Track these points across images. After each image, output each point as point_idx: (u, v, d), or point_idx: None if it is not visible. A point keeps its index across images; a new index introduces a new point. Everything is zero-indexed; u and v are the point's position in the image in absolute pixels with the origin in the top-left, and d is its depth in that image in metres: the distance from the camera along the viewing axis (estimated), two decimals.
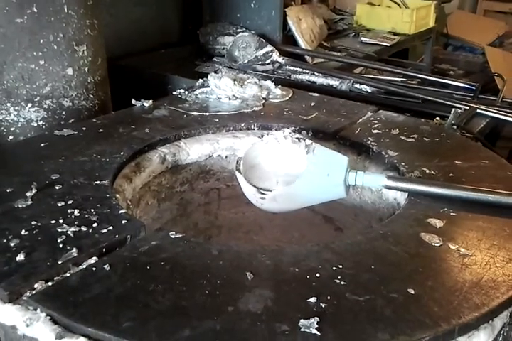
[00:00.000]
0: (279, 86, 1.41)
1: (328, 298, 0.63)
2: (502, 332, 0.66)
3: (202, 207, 1.22)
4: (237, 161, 0.93)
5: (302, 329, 0.58)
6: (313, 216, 1.23)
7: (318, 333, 0.58)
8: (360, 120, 1.22)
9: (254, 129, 1.19)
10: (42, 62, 1.18)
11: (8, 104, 1.19)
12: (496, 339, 0.65)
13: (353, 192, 1.12)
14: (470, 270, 0.70)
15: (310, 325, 0.58)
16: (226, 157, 1.17)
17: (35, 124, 1.22)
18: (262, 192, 0.90)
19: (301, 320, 0.59)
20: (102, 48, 1.34)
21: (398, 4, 2.61)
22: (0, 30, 1.13)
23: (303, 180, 0.87)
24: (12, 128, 1.21)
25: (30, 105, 1.20)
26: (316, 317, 0.59)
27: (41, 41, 1.17)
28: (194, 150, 1.13)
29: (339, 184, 0.87)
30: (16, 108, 1.20)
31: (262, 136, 0.96)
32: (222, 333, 0.57)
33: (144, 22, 2.02)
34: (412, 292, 0.65)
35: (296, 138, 0.92)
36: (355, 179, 0.88)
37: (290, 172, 0.94)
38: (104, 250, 0.71)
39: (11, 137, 1.22)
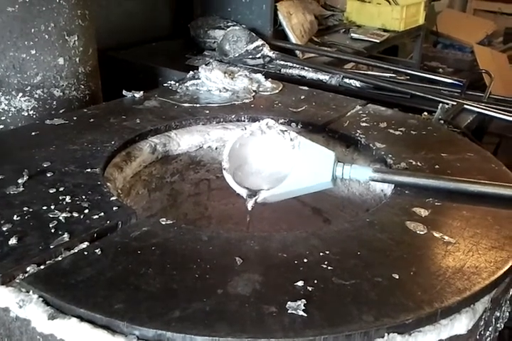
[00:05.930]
0: (269, 79, 1.42)
1: (315, 281, 0.65)
2: (483, 317, 0.68)
3: (192, 198, 1.23)
4: (223, 160, 0.92)
5: (289, 311, 0.60)
6: (302, 208, 1.25)
7: (305, 314, 0.59)
8: (348, 113, 1.23)
9: (244, 121, 1.20)
10: (33, 52, 1.19)
11: None
12: (477, 323, 0.67)
13: (341, 184, 1.14)
14: (453, 256, 0.71)
15: (297, 307, 0.60)
16: (216, 148, 1.18)
17: (26, 114, 1.22)
18: (252, 193, 0.91)
19: (289, 303, 0.61)
20: (93, 39, 1.35)
21: (388, 1, 2.63)
22: None
23: (291, 179, 0.88)
24: (3, 118, 1.21)
25: (21, 94, 1.21)
26: (303, 300, 0.61)
27: (32, 30, 1.17)
28: (184, 141, 1.14)
29: (327, 181, 0.89)
30: (7, 97, 1.20)
31: (246, 129, 0.95)
32: (212, 314, 0.59)
33: (135, 14, 2.02)
34: (397, 277, 0.67)
35: (281, 130, 0.92)
36: (342, 172, 0.90)
37: (277, 169, 0.94)
38: (95, 235, 0.72)
39: (1, 126, 1.22)
